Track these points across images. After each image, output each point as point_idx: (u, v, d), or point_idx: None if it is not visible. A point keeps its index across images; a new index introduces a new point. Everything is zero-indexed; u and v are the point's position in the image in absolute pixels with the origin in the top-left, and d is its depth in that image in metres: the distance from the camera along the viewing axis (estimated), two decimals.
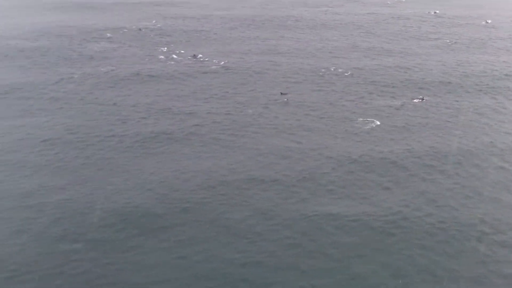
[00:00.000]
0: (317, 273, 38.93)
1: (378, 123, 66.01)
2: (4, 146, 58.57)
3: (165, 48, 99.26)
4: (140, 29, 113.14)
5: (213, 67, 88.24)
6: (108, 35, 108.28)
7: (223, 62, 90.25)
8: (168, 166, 54.68)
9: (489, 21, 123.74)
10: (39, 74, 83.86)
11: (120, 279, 38.38)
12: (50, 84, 79.25)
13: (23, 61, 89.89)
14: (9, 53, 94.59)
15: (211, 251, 41.26)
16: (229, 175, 52.72)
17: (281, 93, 76.15)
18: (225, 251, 41.37)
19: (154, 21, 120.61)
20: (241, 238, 42.85)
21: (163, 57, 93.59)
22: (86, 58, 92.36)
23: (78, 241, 42.46)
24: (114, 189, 50.02)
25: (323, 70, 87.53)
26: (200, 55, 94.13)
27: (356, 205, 47.64)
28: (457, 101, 74.34)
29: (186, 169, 53.86)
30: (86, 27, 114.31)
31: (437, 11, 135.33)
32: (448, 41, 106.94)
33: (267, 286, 37.68)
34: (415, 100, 74.29)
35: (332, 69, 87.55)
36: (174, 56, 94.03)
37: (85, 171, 53.48)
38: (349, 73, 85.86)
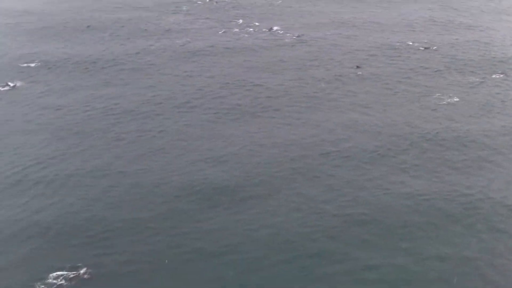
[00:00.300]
0: (389, 252, 38.54)
1: (456, 99, 64.27)
2: (85, 117, 60.66)
3: (240, 20, 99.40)
4: (216, 2, 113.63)
5: (287, 40, 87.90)
6: (184, 8, 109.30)
7: (297, 35, 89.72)
8: (241, 138, 55.28)
9: None
10: (118, 45, 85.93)
11: (194, 248, 39.30)
12: (129, 56, 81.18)
13: (103, 33, 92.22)
14: (91, 24, 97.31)
15: (282, 225, 41.60)
16: (301, 150, 52.79)
17: (357, 67, 75.25)
18: (296, 225, 41.64)
19: None
20: (312, 213, 42.97)
21: (237, 30, 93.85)
22: (163, 31, 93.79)
23: (154, 210, 43.74)
24: (188, 160, 51.07)
25: (398, 44, 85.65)
26: (276, 28, 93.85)
27: (430, 184, 46.74)
28: None
29: (259, 142, 54.28)
30: (162, 0, 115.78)
31: None
32: None
33: (339, 262, 37.71)
34: (495, 76, 71.75)
35: (410, 43, 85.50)
36: (249, 29, 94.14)
37: (161, 142, 54.75)
38: (426, 47, 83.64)
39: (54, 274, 36.66)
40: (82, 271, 36.91)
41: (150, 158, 51.55)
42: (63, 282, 36.09)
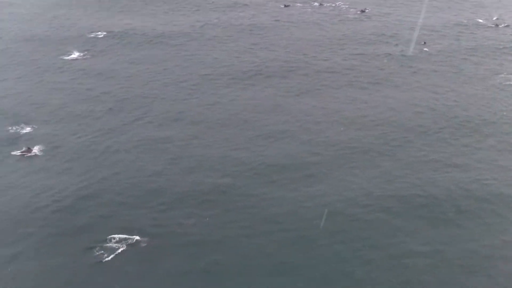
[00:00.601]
0: (444, 238, 37.72)
1: None
2: (148, 89, 61.84)
3: None
4: None
5: (351, 15, 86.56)
6: None
7: (362, 10, 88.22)
8: (302, 114, 55.17)
9: None
10: (185, 18, 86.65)
11: (248, 223, 39.53)
12: (194, 28, 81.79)
13: (167, 6, 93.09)
14: None
15: (337, 204, 41.35)
16: (361, 128, 52.27)
17: (424, 43, 73.60)
18: (351, 204, 41.28)
19: None
20: (368, 193, 42.51)
21: (301, 4, 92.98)
22: (229, 3, 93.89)
23: (212, 184, 44.09)
24: (248, 135, 51.39)
25: (466, 21, 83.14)
26: (340, 2, 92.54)
27: (492, 169, 45.44)
28: None
29: (319, 120, 54.03)
30: None
31: None
32: None
33: (393, 245, 37.25)
34: None
35: (479, 20, 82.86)
36: (314, 3, 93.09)
37: (222, 116, 55.15)
38: (496, 24, 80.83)
39: (114, 240, 38.00)
40: (139, 239, 38.09)
41: (211, 133, 52.10)
42: (121, 248, 37.33)
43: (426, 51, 71.15)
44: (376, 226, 38.96)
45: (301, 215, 40.31)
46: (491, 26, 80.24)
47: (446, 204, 41.00)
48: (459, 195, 41.92)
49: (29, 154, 48.76)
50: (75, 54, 72.09)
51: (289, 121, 53.92)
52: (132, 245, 37.68)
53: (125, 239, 38.15)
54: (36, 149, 49.41)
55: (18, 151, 49.21)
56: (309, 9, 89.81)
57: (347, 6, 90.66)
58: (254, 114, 55.57)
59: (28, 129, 52.93)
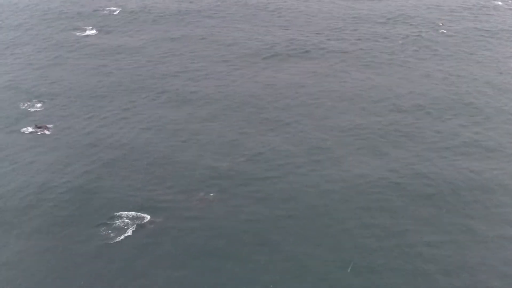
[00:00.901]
0: (450, 228, 37.38)
1: None
2: (164, 68, 61.70)
3: None
4: None
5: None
6: None
7: None
8: (315, 97, 54.77)
9: None
10: None
11: (255, 208, 39.46)
12: (211, 7, 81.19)
13: None
14: None
15: (344, 191, 41.04)
16: (371, 114, 51.75)
17: (442, 24, 72.68)
18: (358, 191, 41.01)
19: None
20: (378, 179, 42.12)
21: None
22: None
23: (223, 169, 43.87)
24: (258, 118, 51.15)
25: (483, 2, 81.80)
26: None
27: (501, 157, 44.80)
28: None
29: (327, 104, 53.61)
30: None
31: None
32: None
33: (398, 235, 36.97)
34: None
35: (498, 3, 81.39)
36: None
37: (236, 99, 54.67)
38: None
39: (121, 220, 38.29)
40: (147, 221, 38.35)
41: (222, 115, 51.83)
42: (128, 229, 37.65)
43: (443, 32, 70.07)
44: (383, 214, 38.68)
45: (309, 201, 40.09)
46: (510, 9, 78.71)
47: (455, 193, 40.56)
48: (468, 184, 41.44)
49: (40, 132, 48.79)
50: (90, 31, 72.06)
51: (300, 104, 53.54)
52: (139, 226, 38.00)
53: (132, 220, 38.40)
54: (47, 127, 49.56)
55: (32, 127, 49.36)
56: None
57: None
58: (266, 96, 55.23)
59: (39, 106, 53.12)
